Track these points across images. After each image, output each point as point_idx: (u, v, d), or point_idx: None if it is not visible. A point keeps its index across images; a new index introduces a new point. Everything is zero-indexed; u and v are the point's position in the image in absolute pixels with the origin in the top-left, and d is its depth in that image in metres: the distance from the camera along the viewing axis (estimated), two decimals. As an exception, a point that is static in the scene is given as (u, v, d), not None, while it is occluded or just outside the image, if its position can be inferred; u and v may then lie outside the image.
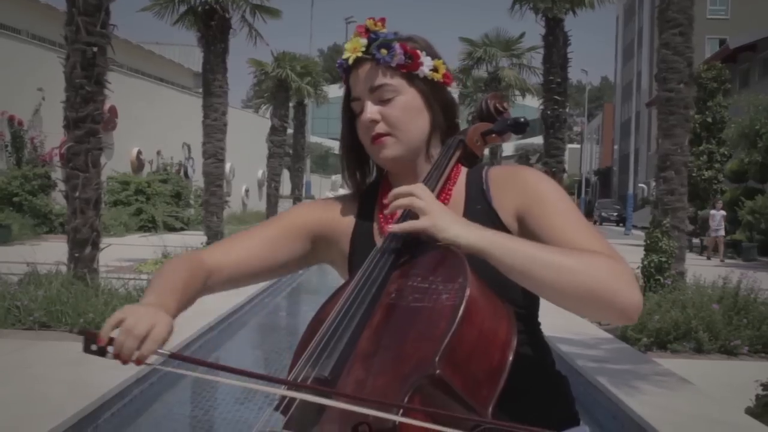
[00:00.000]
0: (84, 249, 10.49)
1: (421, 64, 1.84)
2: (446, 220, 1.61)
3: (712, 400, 6.60)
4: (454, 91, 1.95)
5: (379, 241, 1.83)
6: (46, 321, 8.98)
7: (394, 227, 1.67)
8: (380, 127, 1.82)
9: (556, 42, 22.83)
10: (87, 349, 1.45)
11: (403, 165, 1.88)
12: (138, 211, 28.41)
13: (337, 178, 48.11)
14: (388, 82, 1.82)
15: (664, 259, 10.92)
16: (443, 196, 1.85)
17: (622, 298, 1.56)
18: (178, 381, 7.73)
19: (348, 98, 1.89)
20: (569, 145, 38.43)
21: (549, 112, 22.63)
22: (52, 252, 12.42)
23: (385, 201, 1.74)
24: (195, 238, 21.19)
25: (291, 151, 35.62)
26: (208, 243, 18.89)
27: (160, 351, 1.47)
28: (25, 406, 5.65)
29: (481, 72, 35.74)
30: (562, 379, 1.87)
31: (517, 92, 35.07)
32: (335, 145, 75.83)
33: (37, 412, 5.51)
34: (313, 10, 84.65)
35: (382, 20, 1.86)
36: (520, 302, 1.73)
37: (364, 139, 1.87)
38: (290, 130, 34.96)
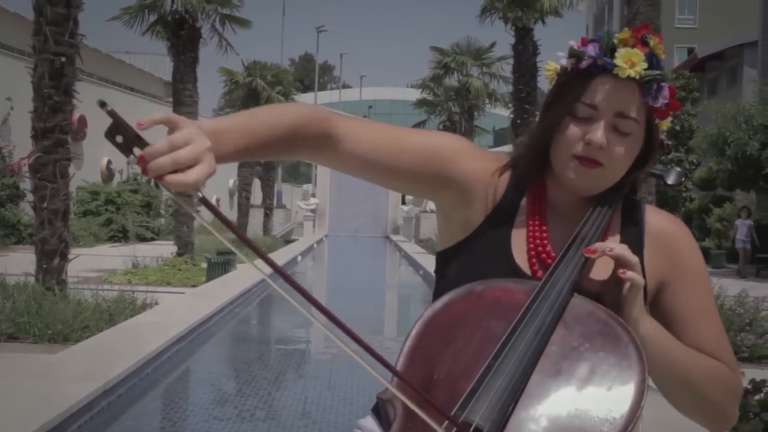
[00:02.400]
0: (52, 260, 10.44)
1: (668, 115, 1.69)
2: (641, 303, 1.56)
3: (678, 407, 6.64)
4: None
5: (517, 240, 1.70)
6: (14, 332, 8.91)
7: (637, 281, 1.54)
8: (600, 155, 1.61)
9: (525, 51, 23.00)
10: (110, 137, 1.20)
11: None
12: (108, 221, 28.24)
13: (309, 187, 47.98)
14: (638, 119, 1.63)
15: (632, 267, 10.96)
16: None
17: (728, 420, 1.66)
18: (147, 393, 7.70)
19: (576, 92, 1.64)
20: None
21: (519, 121, 22.76)
22: (20, 262, 12.33)
23: (595, 248, 1.57)
24: (166, 247, 21.08)
25: (262, 161, 35.52)
26: (179, 253, 18.81)
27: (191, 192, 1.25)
28: (-10, 419, 5.60)
29: (452, 81, 35.85)
30: None
31: (486, 100, 35.17)
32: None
33: (2, 425, 5.46)
34: (284, 19, 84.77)
35: (662, 40, 1.64)
36: None
37: (567, 148, 1.64)
38: (261, 140, 34.86)
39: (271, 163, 35.42)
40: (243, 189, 30.32)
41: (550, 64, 1.72)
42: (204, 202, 1.27)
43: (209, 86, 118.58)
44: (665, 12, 12.73)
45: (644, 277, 1.63)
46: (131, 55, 50.34)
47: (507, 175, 1.76)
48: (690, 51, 50.29)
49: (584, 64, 1.64)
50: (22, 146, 22.54)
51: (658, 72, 1.62)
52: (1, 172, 24.08)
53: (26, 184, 21.76)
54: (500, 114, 44.97)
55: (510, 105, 25.71)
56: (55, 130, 10.48)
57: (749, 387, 6.15)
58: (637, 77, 1.60)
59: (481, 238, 1.72)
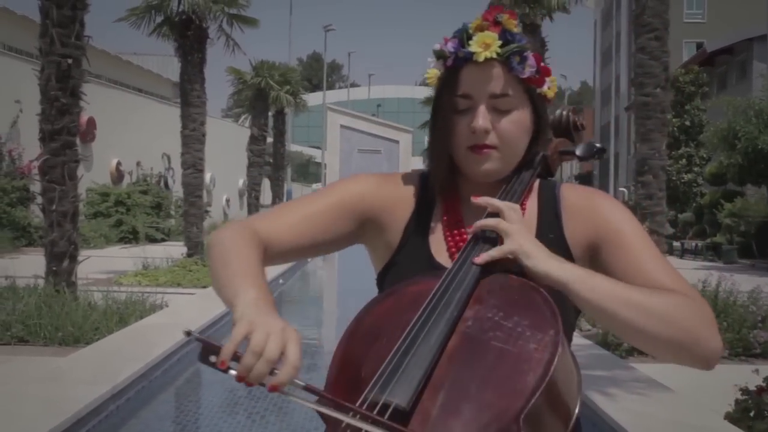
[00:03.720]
0: (62, 262, 10.44)
1: (545, 81, 1.73)
2: (532, 247, 1.56)
3: (690, 406, 6.58)
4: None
5: (435, 241, 1.75)
6: (24, 335, 8.91)
7: (479, 258, 1.57)
8: (490, 138, 1.67)
9: (533, 47, 22.91)
10: (204, 360, 1.33)
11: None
12: (118, 223, 28.24)
13: (318, 186, 48.02)
14: (512, 93, 1.68)
15: (643, 264, 10.91)
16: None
17: (705, 346, 1.53)
18: (156, 396, 7.67)
19: (449, 88, 1.70)
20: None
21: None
22: (31, 265, 12.33)
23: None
24: (176, 248, 21.08)
25: (271, 160, 35.48)
26: (188, 254, 18.80)
27: (295, 381, 1.33)
28: (-1, 424, 5.58)
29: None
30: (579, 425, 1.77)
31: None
32: (316, 154, 75.87)
33: (10, 429, 5.45)
34: (291, 18, 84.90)
35: (514, 15, 1.71)
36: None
37: (460, 143, 1.70)
38: (270, 139, 34.84)
39: (280, 162, 35.43)
40: (252, 189, 30.29)
41: (430, 71, 1.77)
42: (309, 389, 1.35)
43: (217, 86, 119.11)
44: (673, 7, 12.69)
45: (568, 249, 1.71)
46: (139, 56, 50.39)
47: (417, 187, 1.83)
48: (699, 46, 50.22)
49: (449, 61, 1.69)
50: (31, 149, 22.54)
51: (515, 45, 1.67)
52: (11, 174, 24.11)
53: (36, 187, 21.78)
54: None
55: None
56: (63, 132, 10.47)
57: (763, 384, 6.10)
58: (495, 56, 1.65)
59: (403, 250, 1.78)
